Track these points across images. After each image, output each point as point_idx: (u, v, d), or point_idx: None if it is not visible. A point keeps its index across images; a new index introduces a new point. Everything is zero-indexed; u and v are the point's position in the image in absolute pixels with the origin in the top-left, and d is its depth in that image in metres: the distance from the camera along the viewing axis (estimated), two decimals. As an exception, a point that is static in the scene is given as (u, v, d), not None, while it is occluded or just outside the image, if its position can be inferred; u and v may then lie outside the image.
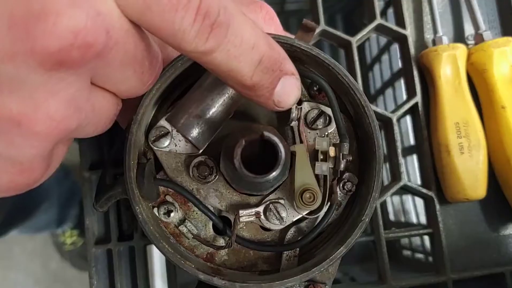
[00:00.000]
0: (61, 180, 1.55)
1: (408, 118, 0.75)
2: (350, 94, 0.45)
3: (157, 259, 0.75)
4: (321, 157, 0.44)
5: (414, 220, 1.03)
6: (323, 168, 0.43)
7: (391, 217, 1.11)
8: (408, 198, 1.06)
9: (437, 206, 0.64)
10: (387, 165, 0.78)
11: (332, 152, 0.44)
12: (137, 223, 0.62)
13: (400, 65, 0.73)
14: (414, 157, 0.76)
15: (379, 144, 0.44)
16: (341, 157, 0.43)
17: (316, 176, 0.43)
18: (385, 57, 1.01)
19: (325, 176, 0.44)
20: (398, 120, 0.70)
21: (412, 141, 0.78)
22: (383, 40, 1.00)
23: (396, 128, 0.65)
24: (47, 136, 0.28)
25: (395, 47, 0.75)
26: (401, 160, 0.64)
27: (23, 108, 0.26)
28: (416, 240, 1.04)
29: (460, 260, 0.64)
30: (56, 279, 1.91)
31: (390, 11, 0.77)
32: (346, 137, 0.44)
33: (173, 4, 0.27)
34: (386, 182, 0.79)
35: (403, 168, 0.64)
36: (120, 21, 0.28)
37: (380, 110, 0.65)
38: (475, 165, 0.63)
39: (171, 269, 0.63)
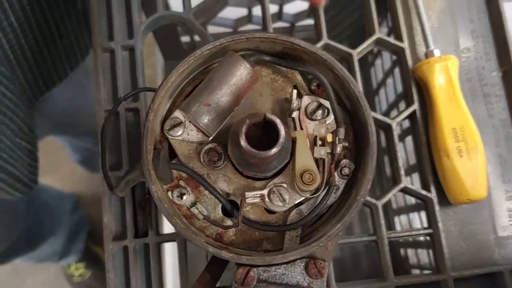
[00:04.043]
0: (72, 212, 1.57)
1: (410, 138, 0.79)
2: (345, 87, 0.49)
3: (169, 260, 0.78)
4: (320, 142, 0.48)
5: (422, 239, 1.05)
6: (321, 152, 0.48)
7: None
8: (415, 216, 1.08)
9: (437, 207, 0.67)
10: (388, 170, 0.81)
11: (329, 138, 0.48)
12: (151, 221, 0.67)
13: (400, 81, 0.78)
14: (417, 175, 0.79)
15: (372, 131, 0.48)
16: (337, 141, 0.48)
17: (316, 161, 0.48)
18: (389, 81, 1.06)
19: (323, 160, 0.48)
20: (399, 130, 0.74)
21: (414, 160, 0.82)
22: (387, 64, 1.06)
23: (395, 133, 0.69)
24: None
25: (398, 71, 0.79)
26: (401, 163, 0.68)
27: None
28: (424, 258, 1.06)
29: (460, 261, 0.67)
30: (68, 310, 1.93)
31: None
32: (342, 124, 0.48)
33: None
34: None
35: (403, 171, 0.68)
36: None
37: (380, 116, 0.69)
38: (475, 166, 0.66)
39: (183, 267, 0.67)
